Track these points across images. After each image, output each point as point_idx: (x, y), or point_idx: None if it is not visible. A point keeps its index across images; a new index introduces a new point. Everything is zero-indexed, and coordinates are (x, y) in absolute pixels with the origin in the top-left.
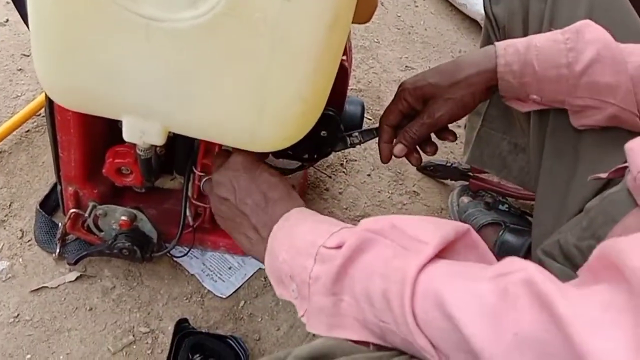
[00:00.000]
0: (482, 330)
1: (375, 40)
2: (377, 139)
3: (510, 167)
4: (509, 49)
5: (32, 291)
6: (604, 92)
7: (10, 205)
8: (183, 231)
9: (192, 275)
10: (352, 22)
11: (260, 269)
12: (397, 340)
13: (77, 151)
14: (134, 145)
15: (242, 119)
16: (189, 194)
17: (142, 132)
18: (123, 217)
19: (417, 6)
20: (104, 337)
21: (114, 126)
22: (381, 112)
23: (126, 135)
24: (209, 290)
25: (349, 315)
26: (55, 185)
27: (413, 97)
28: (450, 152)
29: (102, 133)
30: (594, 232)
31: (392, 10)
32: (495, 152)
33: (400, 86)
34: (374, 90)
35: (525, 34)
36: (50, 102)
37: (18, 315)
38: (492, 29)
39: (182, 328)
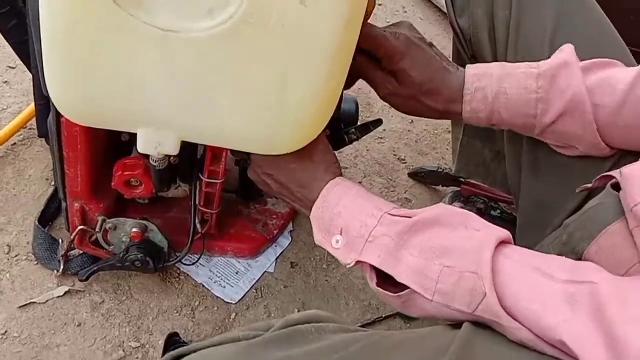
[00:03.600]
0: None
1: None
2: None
3: (495, 174)
4: (477, 94)
5: (20, 307)
6: (570, 139)
7: None
8: (193, 238)
9: (182, 287)
10: None
11: (265, 271)
12: (448, 284)
13: (84, 167)
14: (143, 156)
15: (261, 123)
16: (196, 201)
17: (157, 143)
18: (134, 229)
19: (405, 12)
20: (94, 352)
21: (118, 139)
22: (371, 118)
23: (141, 147)
24: (199, 303)
25: (404, 262)
26: (49, 200)
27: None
28: (442, 158)
29: (107, 147)
30: (573, 248)
31: (381, 16)
32: (479, 161)
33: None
34: (364, 97)
35: (492, 44)
36: (57, 119)
37: (6, 332)
38: (460, 42)
39: (172, 342)
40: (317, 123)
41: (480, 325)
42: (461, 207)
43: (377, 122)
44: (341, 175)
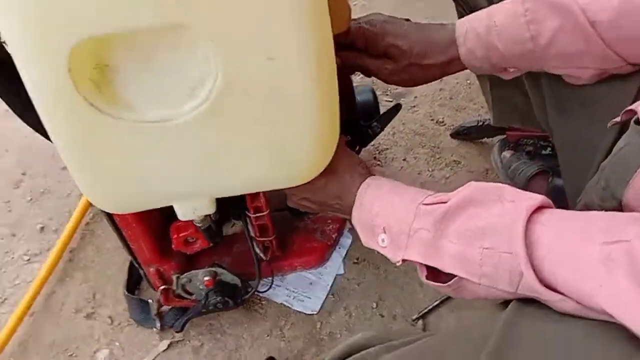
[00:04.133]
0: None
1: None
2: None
3: (531, 117)
4: (469, 35)
5: None
6: (576, 59)
7: (94, 296)
8: (260, 268)
9: (266, 312)
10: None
11: (336, 275)
12: (490, 267)
13: (144, 240)
14: None
15: (272, 168)
16: (252, 234)
17: (193, 209)
18: (206, 278)
19: None
20: None
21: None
22: (400, 91)
23: (181, 216)
24: (285, 322)
25: (446, 252)
26: (130, 267)
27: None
28: (481, 108)
29: (159, 215)
30: (612, 193)
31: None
32: (512, 108)
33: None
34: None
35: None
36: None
37: None
38: (461, 7)
39: None
40: (326, 145)
41: (529, 301)
42: (512, 154)
43: (397, 108)
44: (370, 174)
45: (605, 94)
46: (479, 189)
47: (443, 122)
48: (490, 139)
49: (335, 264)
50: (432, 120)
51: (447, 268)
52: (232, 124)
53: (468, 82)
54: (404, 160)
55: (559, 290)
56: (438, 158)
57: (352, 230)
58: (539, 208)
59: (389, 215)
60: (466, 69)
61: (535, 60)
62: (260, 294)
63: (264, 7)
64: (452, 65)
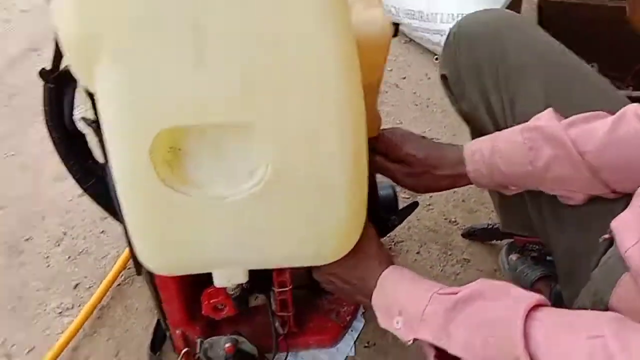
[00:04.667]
0: None
1: (398, 121)
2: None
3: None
4: (475, 156)
5: None
6: (568, 183)
7: (117, 354)
8: (278, 341)
9: None
10: None
11: (347, 356)
12: (491, 355)
13: (178, 302)
14: None
15: (306, 246)
16: (273, 308)
17: (229, 277)
18: (227, 345)
19: (429, 78)
20: None
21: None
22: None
23: (217, 283)
24: None
25: (453, 336)
26: (155, 329)
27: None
28: (492, 212)
29: (193, 280)
30: (601, 298)
31: (407, 88)
32: (518, 218)
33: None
34: None
35: (494, 123)
36: (149, 272)
37: None
38: (466, 122)
39: None
40: (353, 232)
41: None
42: (518, 257)
43: (414, 205)
44: (392, 263)
45: (597, 213)
46: (488, 284)
47: (456, 221)
48: (499, 241)
49: (346, 346)
50: (446, 219)
51: (454, 350)
52: (278, 204)
53: (479, 188)
54: (417, 253)
55: None
56: (449, 255)
57: (365, 314)
58: (536, 306)
59: (406, 300)
60: (473, 184)
61: (534, 181)
62: None
63: (315, 116)
64: (461, 179)
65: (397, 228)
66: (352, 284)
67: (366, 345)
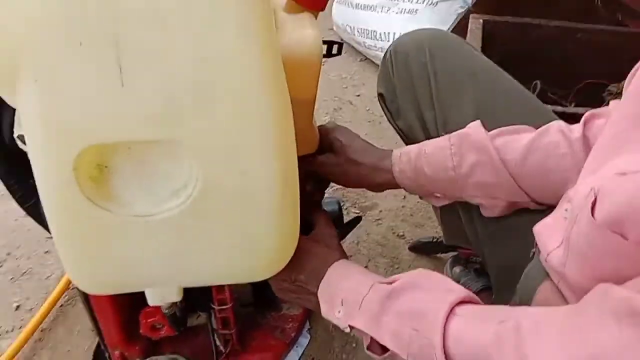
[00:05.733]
0: None
1: None
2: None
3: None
4: (402, 157)
5: None
6: (490, 189)
7: None
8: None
9: None
10: (301, 154)
11: None
12: (415, 347)
13: (113, 322)
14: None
15: (237, 263)
16: (214, 326)
17: (162, 296)
18: None
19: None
20: None
21: (137, 293)
22: (368, 205)
23: (150, 301)
24: None
25: (384, 327)
26: (95, 351)
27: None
28: (438, 226)
29: (130, 299)
30: None
31: (361, 105)
32: (459, 230)
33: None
34: None
35: (428, 139)
36: (84, 292)
37: None
38: (403, 139)
39: None
40: (284, 249)
41: None
42: (462, 270)
43: (357, 220)
44: (346, 258)
45: (525, 226)
46: (424, 275)
47: (403, 235)
48: (445, 254)
49: None
50: (394, 233)
51: (383, 340)
52: (207, 222)
53: (428, 203)
54: (366, 267)
55: None
56: (397, 268)
57: (311, 330)
58: (463, 302)
59: (350, 291)
60: (398, 187)
61: (457, 187)
62: None
63: (240, 133)
64: (385, 173)
65: (347, 242)
66: (301, 279)
67: None
